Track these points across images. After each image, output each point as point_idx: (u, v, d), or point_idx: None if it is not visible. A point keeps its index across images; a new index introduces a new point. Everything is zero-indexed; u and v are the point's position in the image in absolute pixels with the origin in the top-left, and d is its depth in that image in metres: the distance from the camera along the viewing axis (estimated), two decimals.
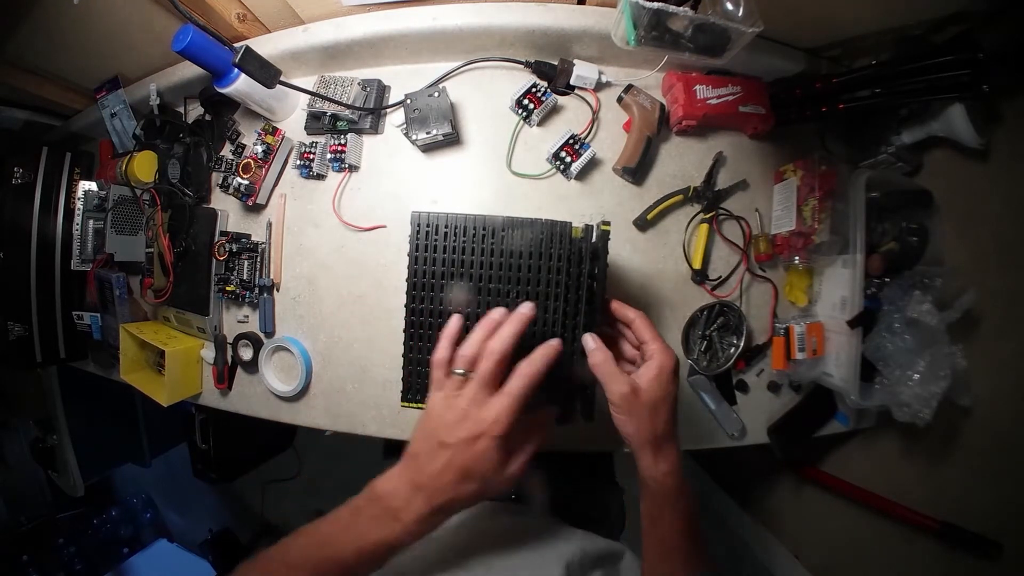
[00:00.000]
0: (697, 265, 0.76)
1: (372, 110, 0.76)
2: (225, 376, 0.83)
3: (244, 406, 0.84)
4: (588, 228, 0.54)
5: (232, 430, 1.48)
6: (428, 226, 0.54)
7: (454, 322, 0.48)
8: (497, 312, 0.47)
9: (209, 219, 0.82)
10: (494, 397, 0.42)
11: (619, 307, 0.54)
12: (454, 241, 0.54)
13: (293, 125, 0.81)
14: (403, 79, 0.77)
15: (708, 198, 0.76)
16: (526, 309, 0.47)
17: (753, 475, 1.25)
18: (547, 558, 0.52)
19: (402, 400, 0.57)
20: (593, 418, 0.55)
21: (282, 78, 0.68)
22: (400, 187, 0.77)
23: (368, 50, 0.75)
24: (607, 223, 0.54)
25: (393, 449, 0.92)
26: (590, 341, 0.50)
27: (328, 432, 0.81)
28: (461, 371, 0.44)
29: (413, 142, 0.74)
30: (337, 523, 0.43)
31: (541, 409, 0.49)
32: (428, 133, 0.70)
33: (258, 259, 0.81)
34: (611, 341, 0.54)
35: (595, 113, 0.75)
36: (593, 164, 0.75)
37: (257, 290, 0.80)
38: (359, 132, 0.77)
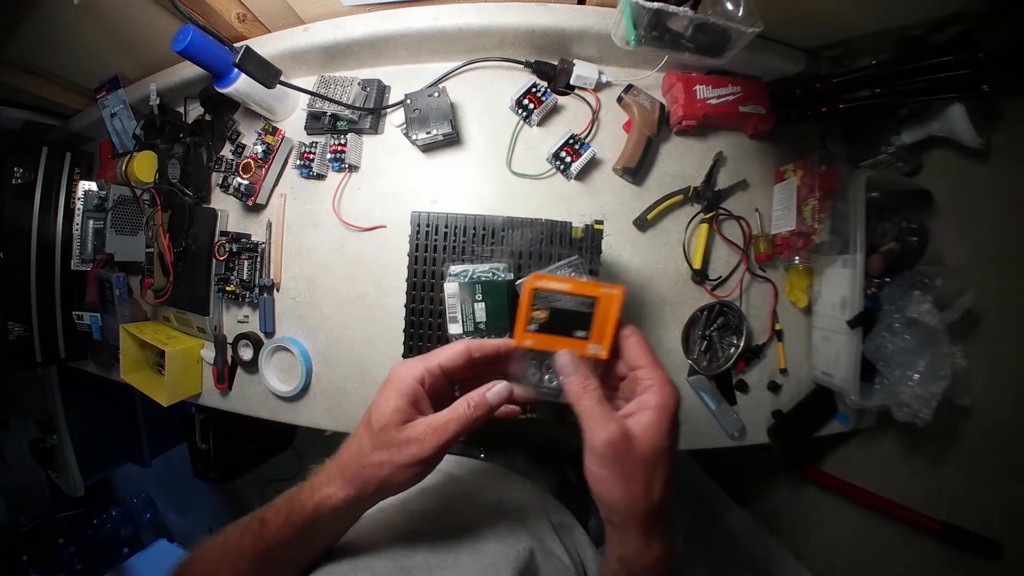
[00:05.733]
0: (697, 265, 0.76)
1: (372, 110, 0.76)
2: (225, 376, 0.83)
3: (244, 406, 0.84)
4: (588, 228, 0.55)
5: (232, 430, 1.47)
6: (428, 226, 0.54)
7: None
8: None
9: (209, 219, 0.82)
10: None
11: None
12: (454, 241, 0.54)
13: (293, 125, 0.81)
14: (403, 79, 0.77)
15: (708, 198, 0.76)
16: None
17: (753, 475, 1.25)
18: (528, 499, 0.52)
19: None
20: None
21: (282, 78, 0.69)
22: (400, 187, 0.77)
23: (368, 50, 0.76)
24: (600, 222, 0.55)
25: None
26: (566, 362, 0.38)
27: (328, 432, 0.81)
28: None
29: (413, 142, 0.74)
30: None
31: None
32: (428, 133, 0.70)
33: (258, 259, 0.81)
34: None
35: (595, 113, 0.75)
36: (593, 164, 0.75)
37: (257, 290, 0.80)
38: (359, 132, 0.77)
